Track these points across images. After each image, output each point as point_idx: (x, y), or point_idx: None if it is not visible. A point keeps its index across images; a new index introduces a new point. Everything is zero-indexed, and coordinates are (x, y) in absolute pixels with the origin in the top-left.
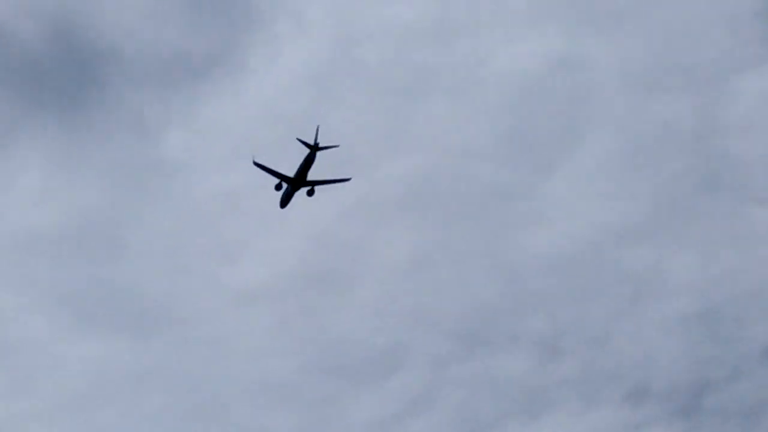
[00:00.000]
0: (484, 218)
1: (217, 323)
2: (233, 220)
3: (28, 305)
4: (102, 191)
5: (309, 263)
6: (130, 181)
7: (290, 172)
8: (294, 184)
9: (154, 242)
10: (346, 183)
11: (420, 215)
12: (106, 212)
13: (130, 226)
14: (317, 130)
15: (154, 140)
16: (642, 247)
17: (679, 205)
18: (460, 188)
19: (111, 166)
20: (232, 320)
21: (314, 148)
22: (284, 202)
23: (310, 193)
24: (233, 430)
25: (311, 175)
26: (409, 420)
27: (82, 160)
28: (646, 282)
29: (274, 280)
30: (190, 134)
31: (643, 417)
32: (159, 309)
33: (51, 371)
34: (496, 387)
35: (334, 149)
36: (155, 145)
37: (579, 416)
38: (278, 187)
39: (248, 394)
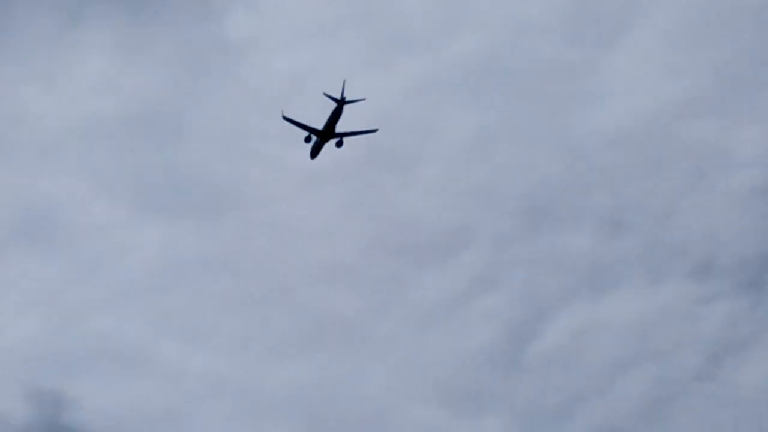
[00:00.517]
0: (547, 95)
1: (283, 206)
2: (298, 101)
3: (92, 192)
4: (166, 75)
5: (373, 144)
6: (194, 63)
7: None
8: (323, 136)
9: (219, 125)
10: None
11: (483, 93)
12: (170, 96)
13: (194, 110)
14: (343, 84)
15: (219, 21)
16: (707, 120)
17: (745, 77)
18: (523, 65)
19: (175, 48)
20: (298, 202)
21: (341, 102)
22: (314, 154)
23: (339, 144)
24: (300, 312)
25: (339, 127)
26: (474, 299)
27: (146, 44)
28: (712, 155)
29: (339, 161)
30: (255, 15)
31: (708, 291)
32: (224, 193)
33: (116, 257)
34: (561, 264)
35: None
36: (220, 27)
37: (644, 292)
38: (308, 140)
39: (314, 275)
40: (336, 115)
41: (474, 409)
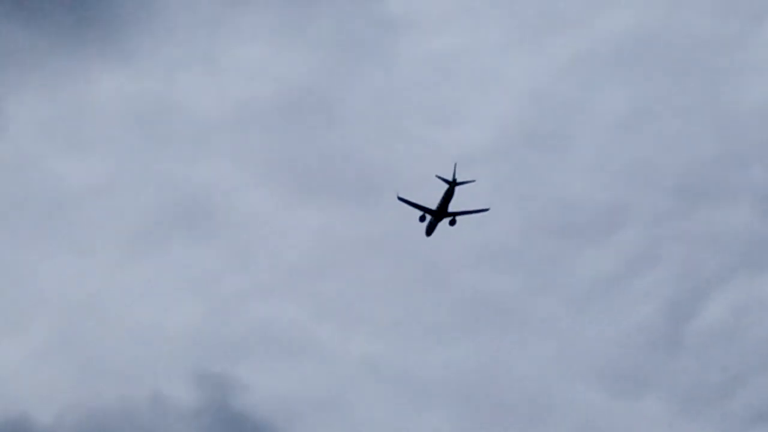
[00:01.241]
0: (701, 70)
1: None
2: (451, 81)
3: (248, 178)
4: (322, 58)
5: (526, 123)
6: (351, 44)
7: None
8: (436, 215)
9: (374, 107)
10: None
11: (636, 69)
12: (326, 80)
13: (349, 92)
14: (455, 167)
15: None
16: None
17: None
18: (676, 40)
19: (334, 29)
20: None
21: (453, 184)
22: (429, 232)
23: (452, 222)
24: (457, 294)
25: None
26: (632, 278)
27: (305, 25)
28: None
29: (492, 141)
30: None
31: None
32: (379, 175)
33: (273, 243)
34: (719, 241)
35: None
36: (376, 7)
37: None
38: (422, 219)
39: (471, 257)
40: (448, 196)
41: (634, 389)
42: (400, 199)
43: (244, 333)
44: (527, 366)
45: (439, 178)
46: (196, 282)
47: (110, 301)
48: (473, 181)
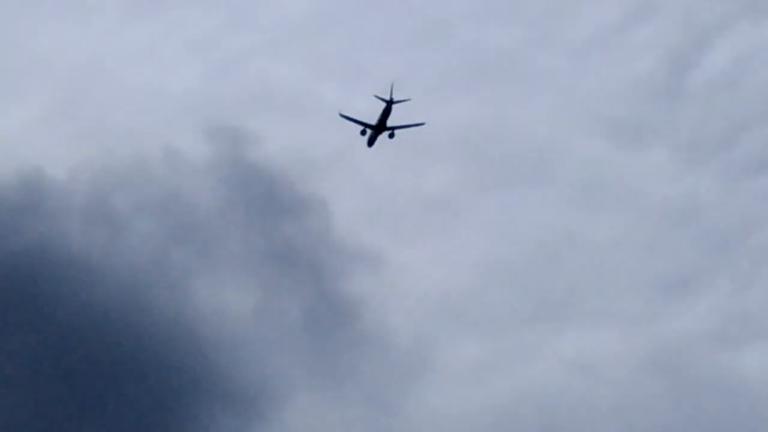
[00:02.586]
0: None
1: None
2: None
3: None
4: None
5: None
6: None
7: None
8: (376, 129)
9: None
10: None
11: None
12: None
13: None
14: (392, 86)
15: None
16: None
17: None
18: None
19: None
20: None
21: (390, 102)
22: (370, 143)
23: (391, 135)
24: (459, 48)
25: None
26: (632, 28)
27: None
28: None
29: None
30: None
31: None
32: None
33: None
34: None
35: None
36: None
37: None
38: (363, 133)
39: (472, 10)
40: (386, 113)
41: (636, 139)
42: (343, 115)
43: (247, 91)
44: (530, 119)
45: (378, 97)
46: (197, 42)
47: (112, 63)
48: (409, 99)
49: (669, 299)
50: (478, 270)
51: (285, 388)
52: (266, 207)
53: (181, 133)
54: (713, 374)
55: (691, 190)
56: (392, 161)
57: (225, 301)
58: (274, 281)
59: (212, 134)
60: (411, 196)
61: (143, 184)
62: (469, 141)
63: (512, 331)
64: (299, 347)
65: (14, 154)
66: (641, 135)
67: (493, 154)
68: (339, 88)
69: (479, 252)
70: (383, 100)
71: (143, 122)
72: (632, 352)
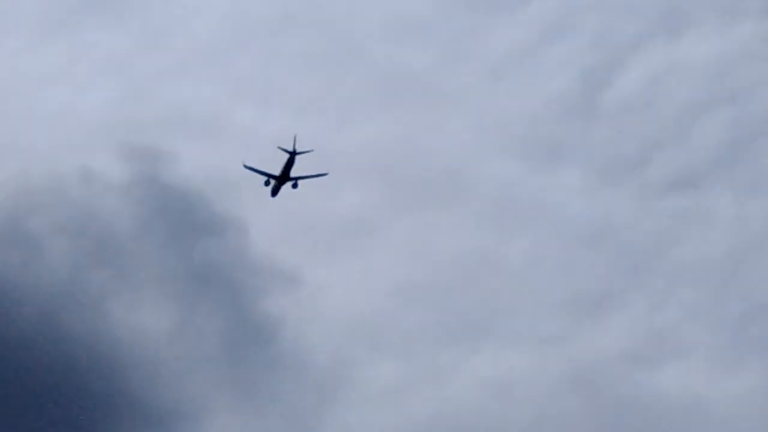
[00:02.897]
0: None
1: None
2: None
3: None
4: None
5: None
6: None
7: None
8: (279, 180)
9: None
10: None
11: None
12: None
13: None
14: (294, 139)
15: None
16: None
17: None
18: None
19: None
20: None
21: (293, 153)
22: (274, 193)
23: (294, 186)
24: (372, 69)
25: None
26: (546, 47)
27: None
28: None
29: None
30: None
31: None
32: None
33: (185, 22)
34: (634, 7)
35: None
36: None
37: (720, 31)
38: (267, 183)
39: (385, 32)
40: (289, 164)
41: (551, 160)
42: (246, 167)
43: (162, 112)
44: (444, 139)
45: (281, 149)
46: (110, 63)
47: (25, 84)
48: (312, 150)
49: (584, 318)
50: (394, 291)
51: (202, 408)
52: (183, 226)
53: (96, 153)
54: (628, 393)
55: (605, 209)
56: (306, 181)
57: (142, 322)
58: (192, 301)
59: (128, 155)
60: (326, 216)
61: (59, 204)
62: (383, 161)
63: (428, 351)
64: (217, 367)
65: None
66: (555, 155)
67: (407, 175)
68: (253, 108)
69: (394, 273)
70: (286, 151)
71: (58, 143)
72: (548, 371)
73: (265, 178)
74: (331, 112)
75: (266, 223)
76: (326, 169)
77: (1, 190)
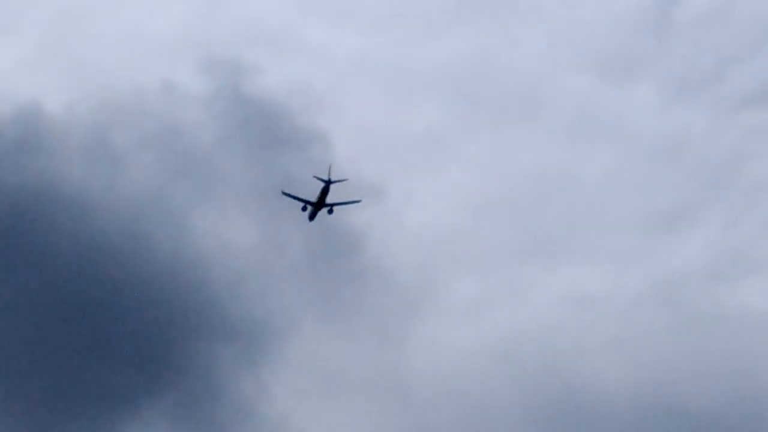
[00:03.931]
0: None
1: None
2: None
3: None
4: None
5: None
6: None
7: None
8: (315, 206)
9: None
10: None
11: None
12: None
13: None
14: (329, 168)
15: None
16: None
17: None
18: None
19: None
20: None
21: (328, 182)
22: (311, 218)
23: (330, 212)
24: None
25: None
26: None
27: None
28: None
29: None
30: None
31: None
32: None
33: None
34: None
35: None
36: None
37: None
38: (304, 209)
39: None
40: (325, 192)
41: (626, 76)
42: (285, 194)
43: (238, 27)
44: (521, 56)
45: (317, 178)
46: None
47: (101, 3)
48: (346, 179)
49: (661, 235)
50: (471, 207)
51: (287, 321)
52: (266, 140)
53: (177, 68)
54: (710, 308)
55: (681, 124)
56: (383, 98)
57: (226, 235)
58: (276, 214)
59: (209, 68)
60: (405, 132)
61: (142, 119)
62: (459, 78)
63: (506, 267)
64: (301, 280)
65: (11, 90)
66: (631, 70)
67: (484, 92)
68: (327, 27)
69: (471, 189)
70: (322, 180)
71: (139, 58)
72: (626, 288)
73: (302, 205)
74: (406, 29)
75: (348, 138)
76: (403, 85)
77: (84, 104)
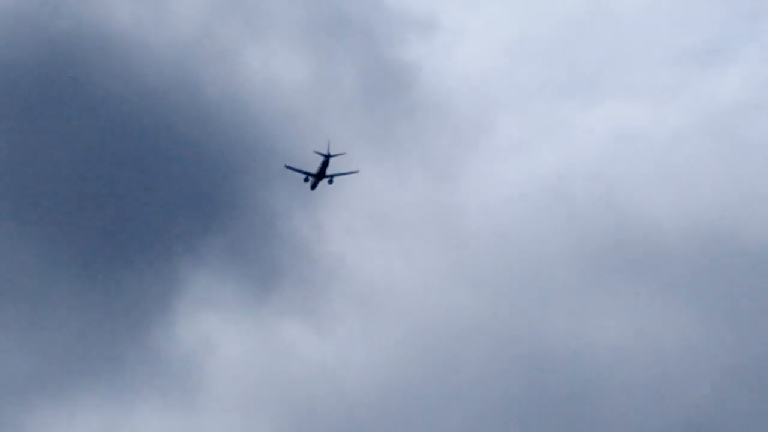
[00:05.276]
0: None
1: None
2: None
3: None
4: None
5: None
6: None
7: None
8: (317, 177)
9: None
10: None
11: None
12: None
13: None
14: (328, 143)
15: None
16: None
17: None
18: None
19: None
20: None
21: (327, 156)
22: (313, 187)
23: (330, 181)
24: None
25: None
26: None
27: None
28: None
29: None
30: None
31: None
32: None
33: None
34: None
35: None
36: None
37: None
38: (306, 180)
39: None
40: (325, 164)
41: None
42: (287, 167)
43: None
44: None
45: (317, 152)
46: None
47: None
48: (343, 153)
49: (700, 69)
50: (510, 46)
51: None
52: None
53: None
54: (753, 136)
55: None
56: None
57: (276, 72)
58: (327, 50)
59: None
60: None
61: None
62: None
63: (546, 106)
64: (355, 117)
65: None
66: None
67: None
68: None
69: (510, 28)
70: (322, 154)
71: None
72: (666, 122)
73: (304, 176)
74: None
75: None
76: None
77: None
